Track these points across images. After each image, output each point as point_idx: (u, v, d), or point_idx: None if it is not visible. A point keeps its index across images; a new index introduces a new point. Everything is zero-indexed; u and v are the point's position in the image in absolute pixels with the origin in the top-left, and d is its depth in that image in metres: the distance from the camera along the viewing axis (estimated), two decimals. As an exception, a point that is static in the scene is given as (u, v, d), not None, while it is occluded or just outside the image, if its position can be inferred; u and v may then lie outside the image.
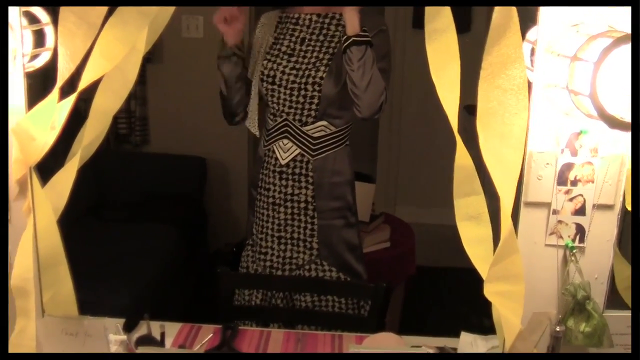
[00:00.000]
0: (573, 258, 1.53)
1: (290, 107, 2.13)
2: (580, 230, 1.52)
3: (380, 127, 4.95)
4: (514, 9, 1.23)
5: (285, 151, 2.16)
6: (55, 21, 1.47)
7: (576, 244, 1.53)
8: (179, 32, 3.95)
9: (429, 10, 1.32)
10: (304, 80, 2.10)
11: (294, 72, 2.11)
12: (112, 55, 1.39)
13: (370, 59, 1.98)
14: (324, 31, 2.13)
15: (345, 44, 1.98)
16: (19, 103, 1.52)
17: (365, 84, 1.99)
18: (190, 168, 3.99)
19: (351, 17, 1.97)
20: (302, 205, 2.17)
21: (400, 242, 3.23)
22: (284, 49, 2.16)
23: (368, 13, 2.03)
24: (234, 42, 2.14)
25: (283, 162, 2.16)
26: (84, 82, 1.38)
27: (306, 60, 2.12)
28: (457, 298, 3.63)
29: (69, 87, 1.42)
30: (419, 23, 4.55)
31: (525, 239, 1.51)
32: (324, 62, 2.09)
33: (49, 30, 1.60)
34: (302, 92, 2.10)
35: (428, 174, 4.77)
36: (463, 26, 4.65)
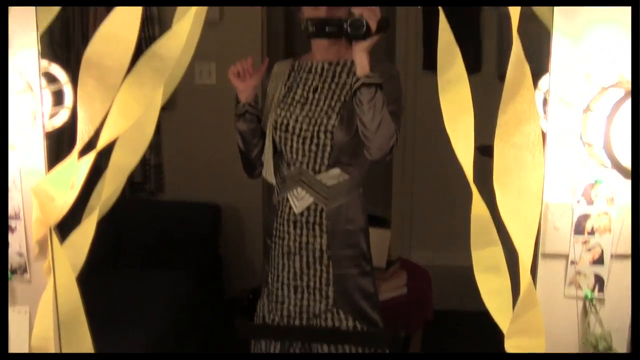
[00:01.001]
0: (593, 309, 1.51)
1: (303, 155, 2.14)
2: (599, 281, 1.51)
3: (394, 169, 4.95)
4: (526, 64, 1.24)
5: (300, 199, 2.16)
6: (73, 80, 1.50)
7: (595, 294, 1.52)
8: (191, 78, 3.98)
9: (441, 60, 1.34)
10: (316, 128, 2.11)
11: (307, 120, 2.13)
12: (130, 114, 1.41)
13: (380, 101, 1.99)
14: (336, 79, 2.15)
15: (355, 86, 2.00)
16: (39, 163, 1.54)
17: (375, 126, 2.00)
18: (205, 215, 3.98)
19: (360, 58, 1.98)
20: (317, 254, 2.16)
21: (417, 287, 3.19)
22: (297, 97, 2.18)
23: (378, 60, 2.05)
24: (245, 99, 2.17)
25: (297, 211, 2.16)
26: (102, 142, 1.40)
27: (318, 109, 2.13)
28: (475, 343, 3.58)
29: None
30: (429, 64, 4.58)
31: (544, 290, 1.50)
32: (336, 109, 2.10)
33: (67, 89, 1.63)
34: (315, 140, 2.11)
35: (443, 216, 4.74)
36: (473, 66, 4.67)
